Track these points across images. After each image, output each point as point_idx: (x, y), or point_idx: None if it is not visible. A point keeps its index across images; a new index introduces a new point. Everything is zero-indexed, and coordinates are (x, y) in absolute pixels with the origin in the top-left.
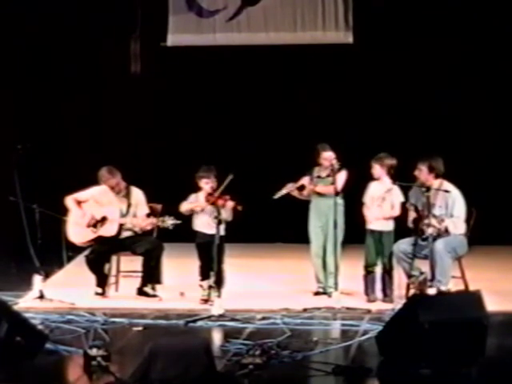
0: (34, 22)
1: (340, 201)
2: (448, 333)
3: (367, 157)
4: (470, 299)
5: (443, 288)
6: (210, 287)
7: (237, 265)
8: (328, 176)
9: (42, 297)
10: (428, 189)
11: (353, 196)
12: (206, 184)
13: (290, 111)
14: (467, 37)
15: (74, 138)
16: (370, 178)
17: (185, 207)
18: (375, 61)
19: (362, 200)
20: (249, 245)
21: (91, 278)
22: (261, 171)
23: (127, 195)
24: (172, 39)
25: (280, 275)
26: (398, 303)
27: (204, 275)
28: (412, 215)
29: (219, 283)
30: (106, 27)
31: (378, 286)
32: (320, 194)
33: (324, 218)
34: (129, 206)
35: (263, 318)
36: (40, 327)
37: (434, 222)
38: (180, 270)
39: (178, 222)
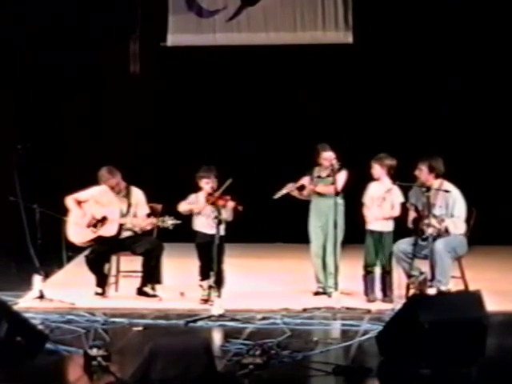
0: (34, 22)
1: (340, 201)
2: (448, 333)
3: (367, 157)
4: (470, 299)
5: (443, 288)
6: (209, 287)
7: (237, 265)
8: (328, 176)
9: (41, 297)
10: (428, 189)
11: (353, 196)
12: (207, 184)
13: (290, 111)
14: (467, 37)
15: (74, 138)
16: (370, 178)
17: (183, 207)
18: (375, 61)
19: (362, 200)
20: (249, 245)
21: (91, 278)
22: (261, 171)
23: (127, 195)
24: (172, 39)
25: (280, 275)
26: (398, 303)
27: (204, 275)
28: (412, 215)
29: (219, 283)
30: (105, 27)
31: (378, 286)
32: (320, 194)
33: (324, 218)
34: (129, 205)
35: (263, 318)
36: (40, 327)
37: (434, 222)
38: (180, 269)
39: (178, 222)
